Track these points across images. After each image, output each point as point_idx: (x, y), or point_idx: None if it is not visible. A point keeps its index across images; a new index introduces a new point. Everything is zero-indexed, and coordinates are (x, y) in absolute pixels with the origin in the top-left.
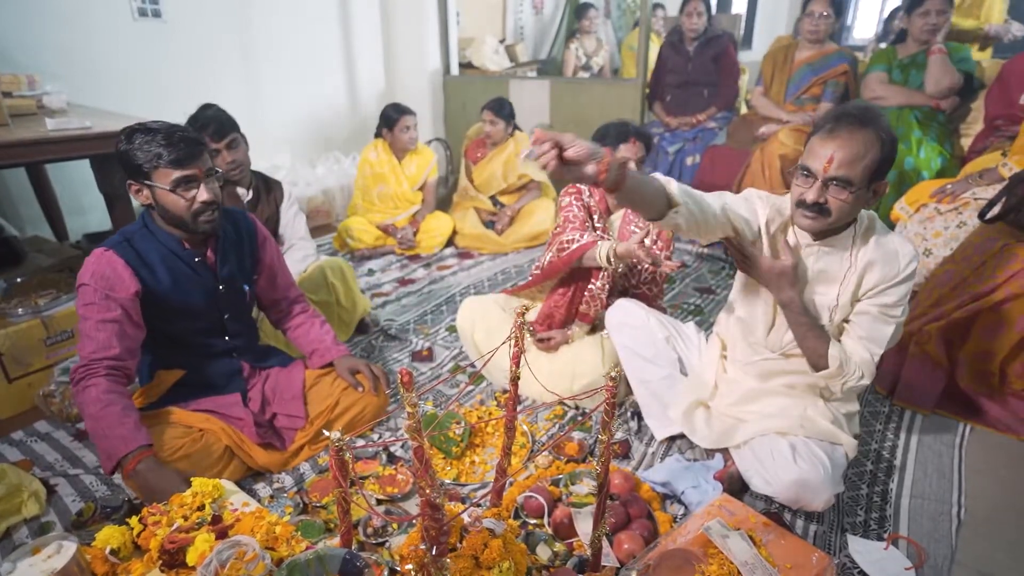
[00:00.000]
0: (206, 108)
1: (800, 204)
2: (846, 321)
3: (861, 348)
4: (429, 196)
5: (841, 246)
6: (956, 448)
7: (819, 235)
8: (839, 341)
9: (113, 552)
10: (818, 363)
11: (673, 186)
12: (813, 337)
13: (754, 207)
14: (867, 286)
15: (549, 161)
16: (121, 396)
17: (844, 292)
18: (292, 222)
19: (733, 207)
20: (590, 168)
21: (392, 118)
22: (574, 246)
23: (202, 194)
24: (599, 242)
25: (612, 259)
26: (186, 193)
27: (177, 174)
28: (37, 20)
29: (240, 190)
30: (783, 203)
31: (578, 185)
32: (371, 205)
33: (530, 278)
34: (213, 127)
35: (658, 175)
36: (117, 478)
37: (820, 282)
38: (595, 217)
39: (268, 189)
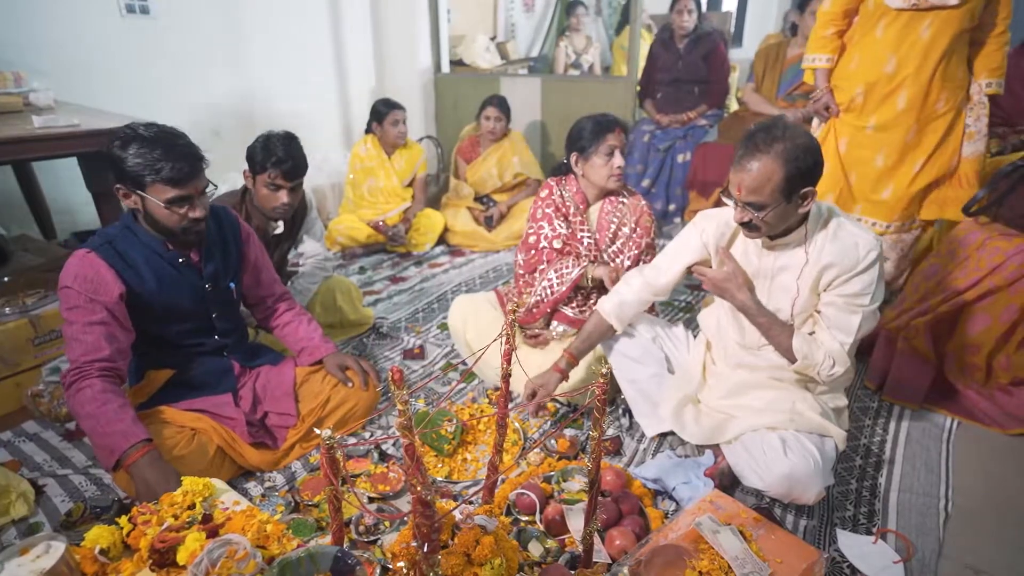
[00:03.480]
0: (290, 140)
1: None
2: (816, 311)
3: (829, 338)
4: (419, 192)
5: (796, 243)
6: (944, 443)
7: (773, 237)
8: (812, 331)
9: (103, 552)
10: (787, 356)
11: (614, 320)
12: (776, 334)
13: (702, 239)
14: (828, 278)
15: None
16: (116, 394)
17: (803, 284)
18: (312, 231)
19: (678, 269)
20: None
21: (382, 112)
22: (567, 281)
23: (195, 212)
24: (586, 268)
25: (591, 279)
26: (179, 210)
27: (173, 193)
28: (23, 16)
29: (271, 223)
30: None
31: (550, 183)
32: (361, 200)
33: (513, 281)
34: (290, 166)
35: (602, 306)
36: (107, 478)
37: (781, 277)
38: (572, 211)
39: (293, 213)
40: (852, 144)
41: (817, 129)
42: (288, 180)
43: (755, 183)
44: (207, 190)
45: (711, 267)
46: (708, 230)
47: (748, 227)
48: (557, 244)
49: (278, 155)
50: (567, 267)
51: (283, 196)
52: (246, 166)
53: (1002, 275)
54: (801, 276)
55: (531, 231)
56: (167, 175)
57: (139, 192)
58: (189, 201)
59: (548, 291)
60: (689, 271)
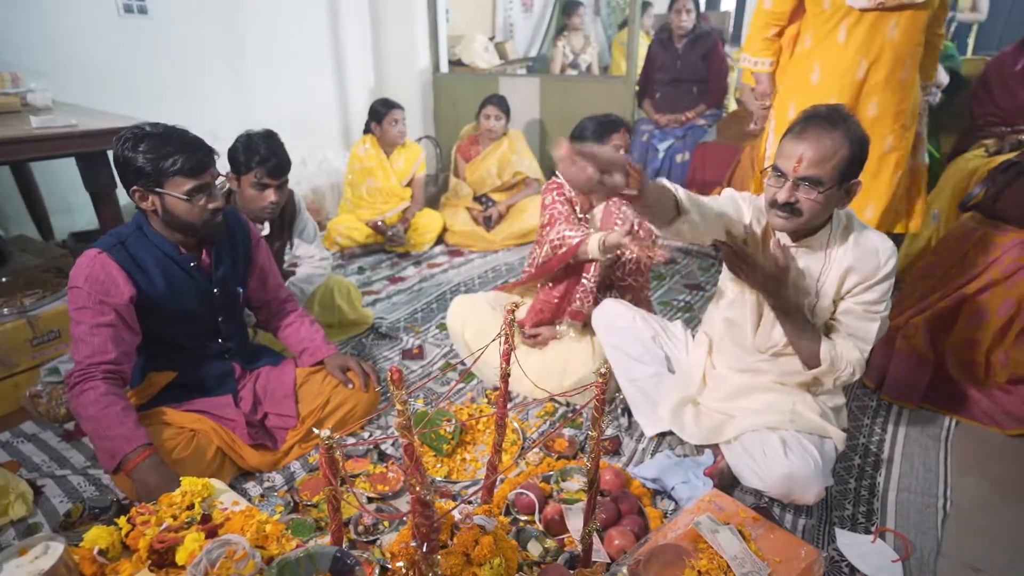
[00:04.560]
0: (270, 137)
1: (773, 204)
2: (833, 319)
3: (851, 346)
4: (418, 192)
5: (818, 245)
6: (942, 442)
7: (796, 236)
8: (828, 338)
9: (101, 552)
10: (810, 361)
11: (681, 193)
12: (806, 337)
13: (740, 207)
14: (849, 285)
15: (586, 177)
16: (120, 397)
17: (822, 290)
18: (304, 234)
19: (726, 210)
20: (619, 178)
21: (380, 112)
22: (571, 243)
23: (215, 201)
24: (591, 235)
25: (602, 249)
26: (199, 201)
27: (192, 183)
28: (21, 16)
29: (257, 225)
30: (763, 203)
31: (559, 182)
32: (360, 200)
33: (523, 275)
34: (275, 163)
35: (664, 181)
36: (106, 478)
37: (800, 280)
38: (577, 210)
39: (281, 213)
40: None
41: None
42: (274, 178)
43: (819, 156)
44: (218, 181)
45: (787, 249)
46: (744, 208)
47: (790, 210)
48: (581, 233)
49: (261, 153)
50: (574, 229)
51: (270, 195)
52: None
53: (999, 268)
54: (821, 280)
55: (544, 227)
56: (183, 166)
57: (157, 190)
58: (207, 191)
59: (554, 249)
60: (718, 243)
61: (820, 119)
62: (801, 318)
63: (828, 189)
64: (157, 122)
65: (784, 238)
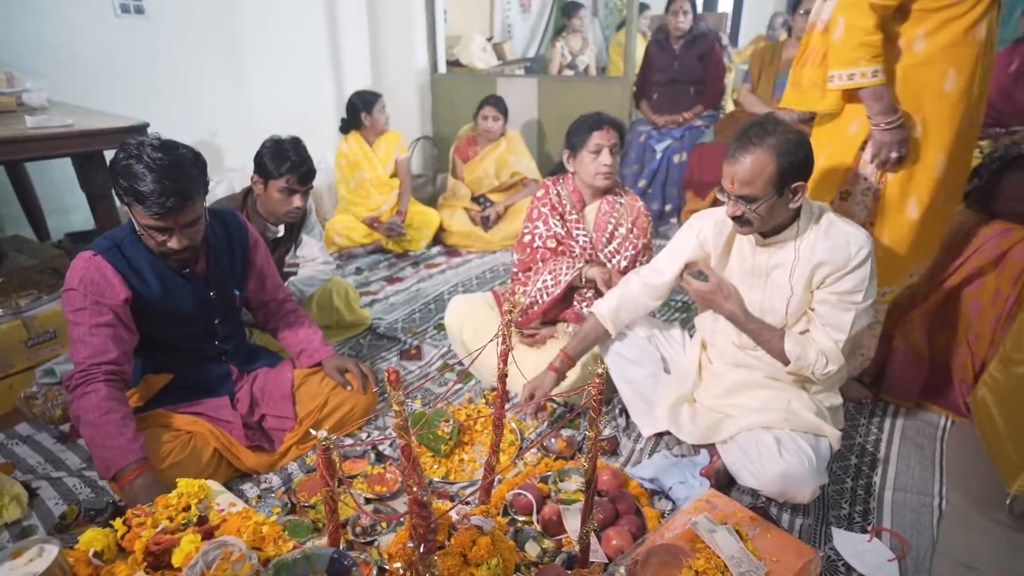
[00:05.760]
0: (298, 143)
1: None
2: (811, 308)
3: (823, 335)
4: (404, 176)
5: (789, 240)
6: (938, 441)
7: (765, 234)
8: (805, 330)
9: (97, 554)
10: (780, 358)
11: (609, 324)
12: (767, 338)
13: (699, 238)
14: (820, 276)
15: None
16: (121, 404)
17: (796, 282)
18: (311, 236)
19: (676, 269)
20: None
21: (362, 106)
22: (562, 282)
23: (172, 243)
24: (583, 268)
25: (585, 279)
26: (156, 236)
27: (149, 221)
28: (17, 16)
29: (271, 227)
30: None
31: (546, 183)
32: (353, 197)
33: (510, 281)
34: (306, 170)
35: (598, 309)
36: (102, 480)
37: (775, 275)
38: (568, 209)
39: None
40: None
41: (871, 177)
42: (303, 184)
43: (748, 176)
44: (197, 223)
45: (710, 266)
46: (705, 229)
47: (740, 221)
48: (551, 244)
49: (292, 160)
50: (561, 269)
51: (296, 200)
52: (252, 171)
53: (982, 256)
54: (793, 274)
55: (526, 231)
56: (145, 203)
57: (126, 205)
58: (167, 232)
59: (543, 294)
60: (680, 276)
61: (748, 138)
62: (755, 323)
63: (765, 201)
64: (164, 146)
65: (757, 236)
